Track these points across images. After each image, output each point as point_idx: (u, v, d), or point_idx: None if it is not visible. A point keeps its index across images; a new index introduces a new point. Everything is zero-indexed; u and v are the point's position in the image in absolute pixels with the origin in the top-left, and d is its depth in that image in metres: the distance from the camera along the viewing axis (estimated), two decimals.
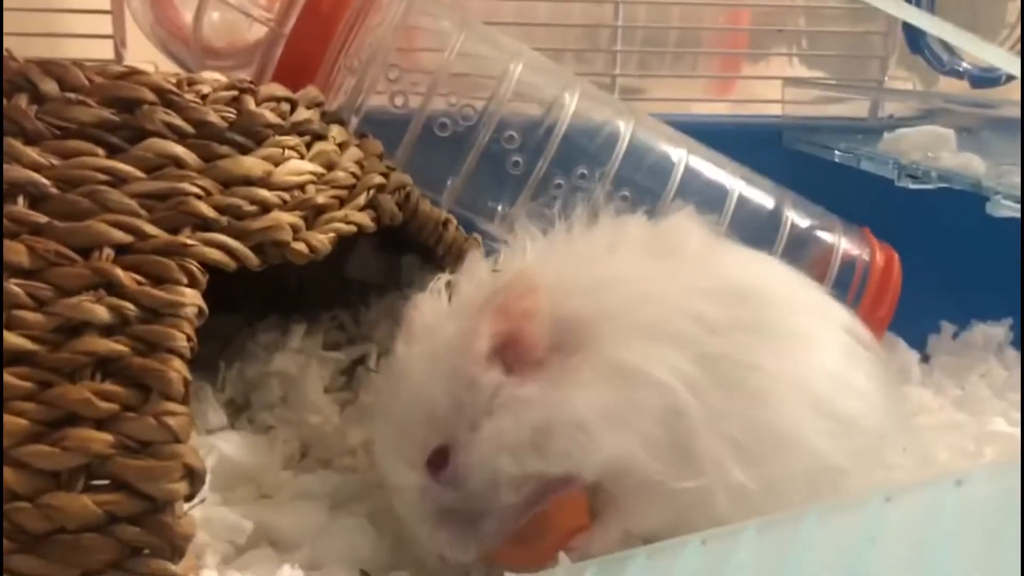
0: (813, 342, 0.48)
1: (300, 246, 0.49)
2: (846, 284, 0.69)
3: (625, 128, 0.68)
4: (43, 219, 0.43)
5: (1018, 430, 0.63)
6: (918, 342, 0.80)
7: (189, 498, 0.42)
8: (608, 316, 0.45)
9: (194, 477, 0.42)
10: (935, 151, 0.68)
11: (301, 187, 0.51)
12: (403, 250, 0.66)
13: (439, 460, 0.44)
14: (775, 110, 0.87)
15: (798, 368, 0.46)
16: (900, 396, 0.62)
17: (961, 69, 0.86)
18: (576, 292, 0.46)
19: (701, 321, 0.45)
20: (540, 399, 0.43)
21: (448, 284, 0.49)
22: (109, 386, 0.41)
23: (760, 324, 0.46)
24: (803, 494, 0.44)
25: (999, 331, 0.81)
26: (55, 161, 0.45)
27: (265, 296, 0.66)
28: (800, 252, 0.69)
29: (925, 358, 0.80)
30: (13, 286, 0.42)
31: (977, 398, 0.72)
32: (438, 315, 0.47)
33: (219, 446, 0.51)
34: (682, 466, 0.43)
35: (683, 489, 0.43)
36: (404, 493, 0.45)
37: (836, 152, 0.76)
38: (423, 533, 0.44)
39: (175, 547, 0.41)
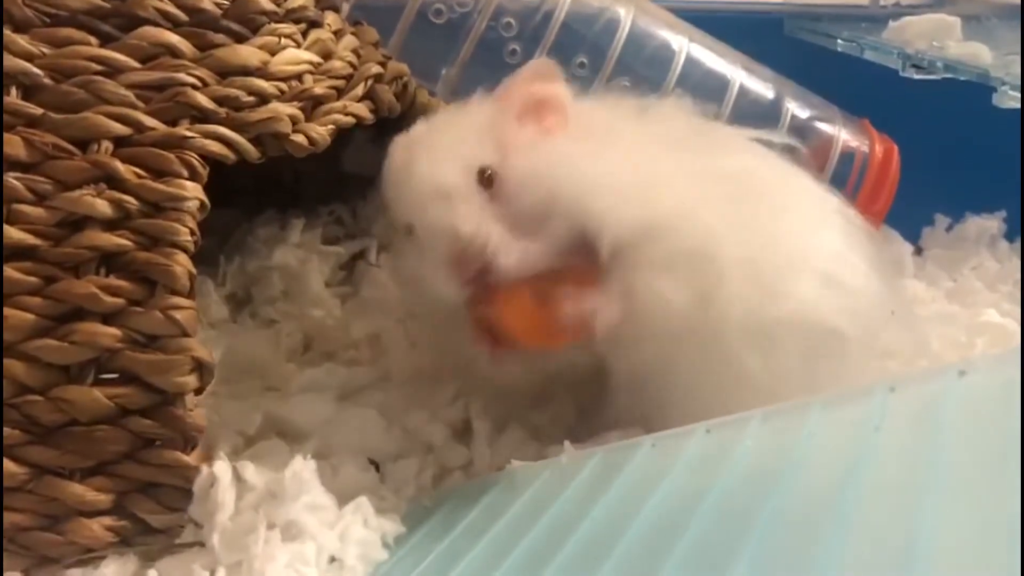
0: (810, 219, 0.49)
1: (299, 138, 0.48)
2: (845, 175, 0.69)
3: (625, 15, 0.66)
4: (38, 111, 0.42)
5: (1009, 320, 0.64)
6: (912, 234, 0.80)
7: (199, 391, 0.43)
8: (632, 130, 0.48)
9: (203, 370, 0.42)
10: (941, 40, 0.66)
11: (298, 77, 0.49)
12: None
13: (487, 178, 0.46)
14: None
15: (798, 240, 0.48)
16: (891, 274, 0.62)
17: None
18: (593, 112, 0.49)
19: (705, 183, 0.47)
20: (578, 150, 0.46)
21: None
22: (114, 281, 0.41)
23: (758, 202, 0.47)
24: (803, 356, 0.46)
25: (992, 223, 0.81)
26: (46, 50, 0.43)
27: (260, 190, 0.66)
28: (800, 142, 0.68)
29: (918, 251, 0.80)
30: (12, 180, 0.41)
31: (969, 290, 0.73)
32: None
33: (224, 339, 0.51)
34: (696, 277, 0.45)
35: (694, 294, 0.44)
36: (459, 198, 0.45)
37: (839, 41, 0.74)
38: (471, 226, 0.45)
39: (187, 438, 0.42)
